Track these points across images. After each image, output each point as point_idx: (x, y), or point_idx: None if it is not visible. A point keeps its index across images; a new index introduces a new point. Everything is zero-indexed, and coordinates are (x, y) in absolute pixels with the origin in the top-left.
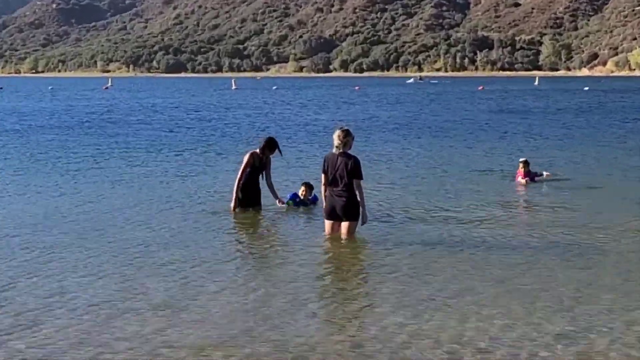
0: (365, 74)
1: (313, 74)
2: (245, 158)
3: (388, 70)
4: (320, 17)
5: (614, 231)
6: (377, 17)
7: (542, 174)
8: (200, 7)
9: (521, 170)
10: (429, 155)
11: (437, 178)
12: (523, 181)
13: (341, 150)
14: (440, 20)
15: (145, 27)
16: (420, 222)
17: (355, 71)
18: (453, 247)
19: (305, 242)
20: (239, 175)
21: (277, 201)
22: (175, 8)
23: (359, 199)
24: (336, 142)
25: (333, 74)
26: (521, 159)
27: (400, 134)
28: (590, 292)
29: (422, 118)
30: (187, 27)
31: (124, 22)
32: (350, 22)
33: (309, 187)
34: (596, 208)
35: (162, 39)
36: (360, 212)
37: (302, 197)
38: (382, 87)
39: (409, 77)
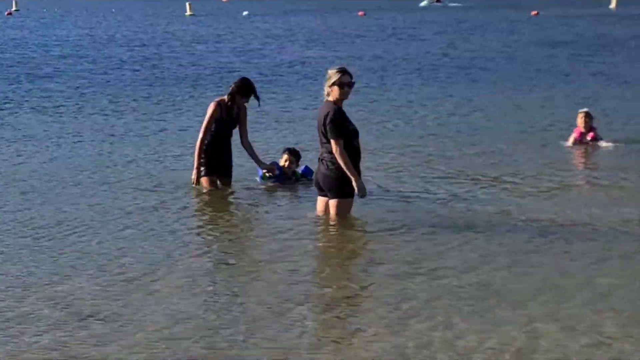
0: None
1: None
2: (210, 109)
3: None
4: None
5: None
6: None
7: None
8: None
9: (581, 125)
10: (459, 104)
11: (469, 137)
12: (587, 139)
13: (328, 98)
14: None
15: None
16: (435, 199)
17: None
18: (478, 232)
19: (286, 225)
20: (200, 135)
21: (261, 169)
22: None
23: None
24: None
25: None
26: (581, 110)
27: (424, 76)
28: None
29: (453, 55)
30: None
31: None
32: None
33: (293, 154)
34: None
35: None
36: (354, 183)
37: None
38: (391, 11)
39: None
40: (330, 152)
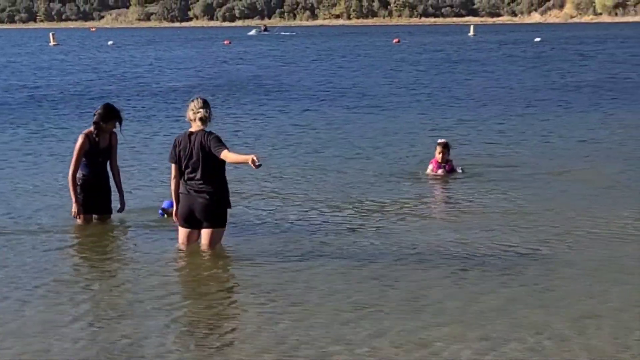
0: (238, 22)
1: (166, 24)
2: (78, 142)
3: (270, 18)
4: None
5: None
6: None
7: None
8: None
9: (438, 157)
10: (314, 134)
11: (340, 163)
12: (443, 169)
13: (201, 128)
14: None
15: None
16: (300, 227)
17: (225, 19)
18: (338, 258)
19: (152, 260)
20: (71, 169)
21: (120, 203)
22: None
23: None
24: (191, 116)
25: (194, 23)
26: (440, 141)
27: (302, 102)
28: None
29: (335, 82)
30: None
31: None
32: None
33: None
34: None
35: None
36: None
37: None
38: (252, 40)
39: (251, 28)
40: (211, 182)
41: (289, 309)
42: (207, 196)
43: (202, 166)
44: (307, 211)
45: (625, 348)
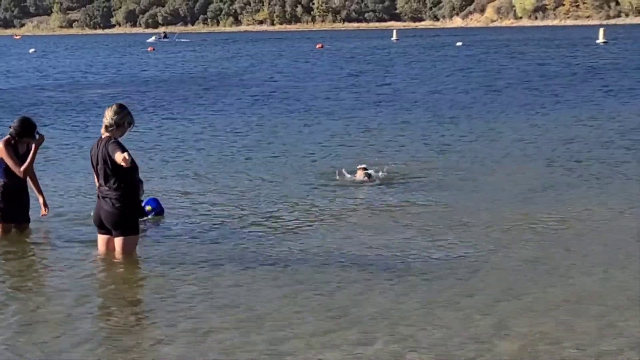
0: (161, 28)
1: (89, 31)
2: (2, 151)
3: (193, 24)
4: None
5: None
6: None
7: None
8: None
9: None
10: (233, 142)
11: (255, 170)
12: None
13: (106, 135)
14: None
15: None
16: (221, 234)
17: (147, 25)
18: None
19: (69, 268)
20: (15, 169)
21: (41, 204)
22: None
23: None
24: (106, 121)
25: (117, 29)
26: (360, 166)
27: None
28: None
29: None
30: None
31: None
32: None
33: None
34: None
35: None
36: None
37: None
38: (178, 46)
39: (150, 35)
40: (115, 189)
41: (210, 315)
42: (111, 203)
43: (105, 172)
44: (231, 218)
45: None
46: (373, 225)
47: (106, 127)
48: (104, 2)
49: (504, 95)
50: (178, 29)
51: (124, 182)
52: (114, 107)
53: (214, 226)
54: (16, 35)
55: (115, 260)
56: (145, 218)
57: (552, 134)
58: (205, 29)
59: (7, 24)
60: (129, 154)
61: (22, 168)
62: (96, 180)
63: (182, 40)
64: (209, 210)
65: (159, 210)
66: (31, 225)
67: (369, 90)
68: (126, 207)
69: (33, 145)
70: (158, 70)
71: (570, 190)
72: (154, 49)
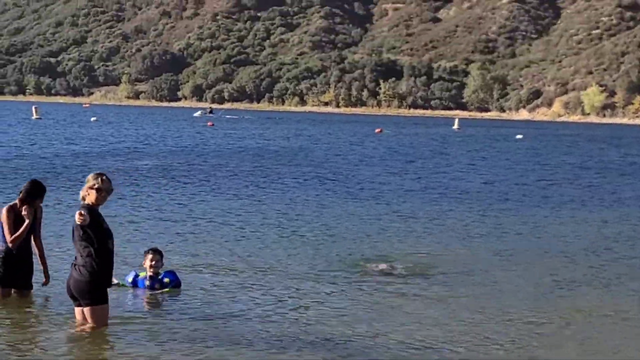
0: (227, 105)
1: (155, 103)
2: (3, 214)
3: (259, 102)
4: (167, 24)
5: None
6: (245, 28)
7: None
8: None
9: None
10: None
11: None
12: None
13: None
14: (332, 36)
15: None
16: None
17: (213, 101)
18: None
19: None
20: (8, 239)
21: (44, 274)
22: None
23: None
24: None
25: (182, 103)
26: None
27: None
28: None
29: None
30: None
31: None
32: (208, 34)
33: (158, 252)
34: None
35: None
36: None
37: (149, 275)
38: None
39: (196, 109)
40: (83, 257)
41: None
42: (79, 271)
43: (75, 240)
44: (246, 299)
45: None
46: (389, 316)
47: (82, 197)
48: (171, 75)
49: (555, 190)
50: (244, 105)
51: (93, 250)
52: (91, 175)
53: (230, 302)
54: (85, 104)
55: (86, 331)
56: (162, 290)
57: (596, 231)
58: (270, 107)
59: (76, 93)
60: (86, 216)
61: (10, 239)
62: None
63: (227, 116)
64: (228, 286)
65: (176, 283)
66: (36, 292)
67: (420, 177)
68: (93, 275)
69: (27, 217)
70: (214, 144)
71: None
72: (213, 124)
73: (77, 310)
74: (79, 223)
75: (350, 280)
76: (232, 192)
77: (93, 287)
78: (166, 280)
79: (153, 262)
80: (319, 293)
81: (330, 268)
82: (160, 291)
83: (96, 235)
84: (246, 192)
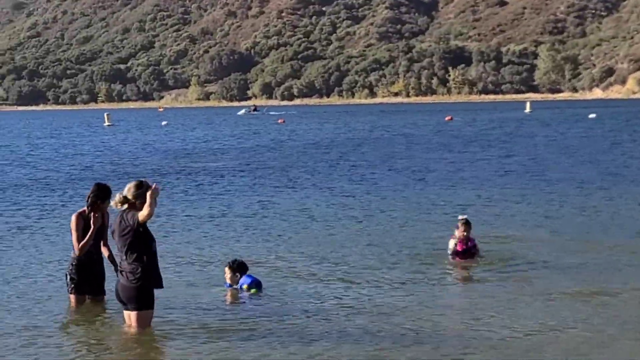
0: (297, 101)
1: (225, 103)
2: (73, 221)
3: (328, 97)
4: (233, 24)
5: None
6: (311, 24)
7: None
8: (64, 12)
9: (460, 232)
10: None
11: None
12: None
13: (122, 208)
14: (399, 26)
15: None
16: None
17: (283, 98)
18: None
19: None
20: (76, 247)
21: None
22: (30, 15)
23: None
24: (122, 196)
25: (252, 101)
26: (460, 217)
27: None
28: None
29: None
30: (46, 40)
31: None
32: (274, 31)
33: (235, 268)
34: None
35: (12, 58)
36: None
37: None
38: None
39: (240, 108)
40: (130, 262)
41: None
42: (126, 277)
43: (122, 246)
44: (317, 288)
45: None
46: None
47: (122, 201)
48: (240, 75)
49: (626, 170)
50: (313, 101)
51: (140, 254)
52: (132, 184)
53: (310, 302)
54: (160, 108)
55: (131, 335)
56: (249, 292)
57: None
58: (340, 101)
59: (147, 97)
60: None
61: (78, 247)
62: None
63: (271, 112)
64: (310, 286)
65: (257, 283)
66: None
67: (489, 162)
68: (140, 280)
69: (93, 223)
70: (291, 141)
71: None
72: (284, 121)
73: (126, 314)
74: (148, 214)
75: (440, 269)
76: (324, 187)
77: (140, 293)
78: (245, 286)
79: (230, 275)
80: (407, 283)
81: (417, 257)
82: (246, 292)
83: (147, 237)
84: (333, 185)
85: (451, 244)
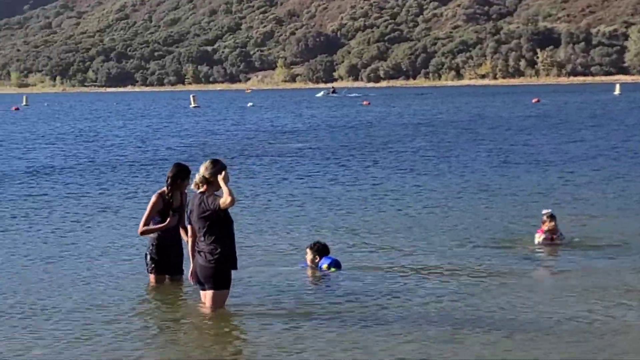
0: (383, 83)
1: (311, 85)
2: (151, 201)
3: (414, 78)
4: (319, 5)
5: None
6: (397, 5)
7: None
8: None
9: (547, 226)
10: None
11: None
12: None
13: (200, 190)
14: (486, 8)
15: (78, 24)
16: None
17: (369, 80)
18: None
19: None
20: (141, 225)
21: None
22: None
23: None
24: (199, 176)
25: (338, 83)
26: (545, 211)
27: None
28: None
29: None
30: (134, 23)
31: (48, 18)
32: (360, 13)
33: (316, 250)
34: None
35: (101, 41)
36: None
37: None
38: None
39: (319, 90)
40: (208, 243)
41: None
42: (205, 257)
43: (201, 227)
44: (395, 270)
45: None
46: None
47: (202, 181)
48: (326, 57)
49: None
50: (399, 82)
51: (219, 236)
52: (208, 162)
53: (386, 281)
54: (248, 90)
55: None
56: (328, 270)
57: None
58: (427, 83)
59: (234, 79)
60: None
61: (140, 230)
62: (191, 232)
63: (350, 95)
64: (385, 264)
65: (337, 263)
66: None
67: (578, 145)
68: (219, 261)
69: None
70: (377, 123)
71: None
72: (369, 103)
73: (202, 293)
74: (229, 202)
75: (523, 256)
76: (412, 167)
77: (217, 273)
78: (324, 266)
79: (311, 258)
80: (488, 269)
81: (500, 242)
82: (327, 270)
83: (226, 220)
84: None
85: (538, 238)
